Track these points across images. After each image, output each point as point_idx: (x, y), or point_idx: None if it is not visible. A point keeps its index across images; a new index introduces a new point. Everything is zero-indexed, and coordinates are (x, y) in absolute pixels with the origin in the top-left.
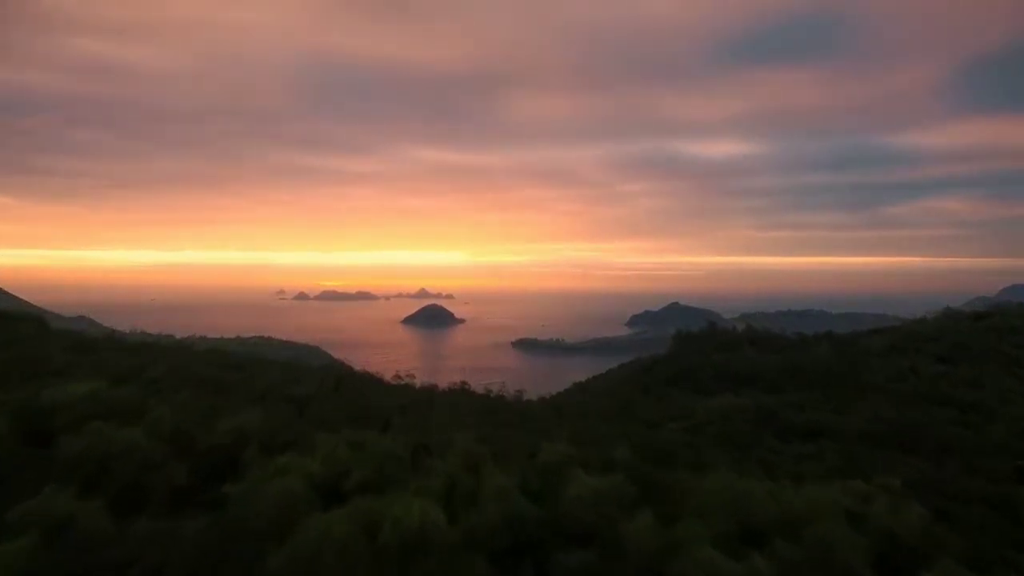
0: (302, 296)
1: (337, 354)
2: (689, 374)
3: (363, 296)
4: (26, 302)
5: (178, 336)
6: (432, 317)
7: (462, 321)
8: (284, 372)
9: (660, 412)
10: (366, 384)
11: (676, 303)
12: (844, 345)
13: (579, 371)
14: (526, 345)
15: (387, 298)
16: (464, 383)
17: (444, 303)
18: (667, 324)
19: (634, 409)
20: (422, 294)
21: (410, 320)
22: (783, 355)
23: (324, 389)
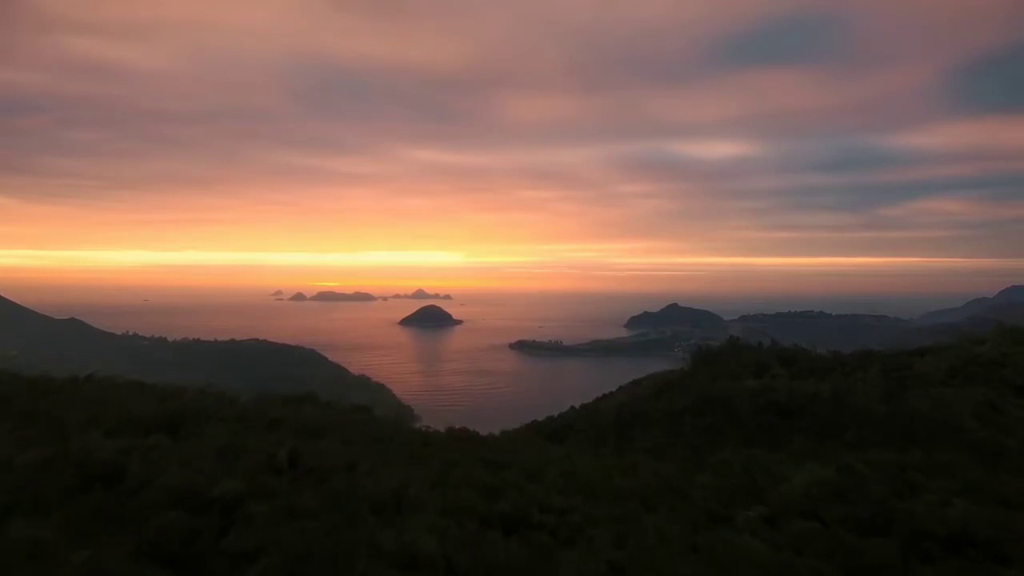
0: (299, 297)
1: (334, 357)
2: (722, 406)
3: (360, 297)
4: (14, 304)
5: (170, 338)
6: (430, 318)
7: (460, 322)
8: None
9: (716, 485)
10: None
11: (675, 304)
12: (895, 370)
13: (578, 373)
14: (524, 347)
15: (384, 299)
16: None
17: (442, 304)
18: (666, 325)
19: (673, 476)
20: (420, 295)
21: (408, 321)
22: (828, 381)
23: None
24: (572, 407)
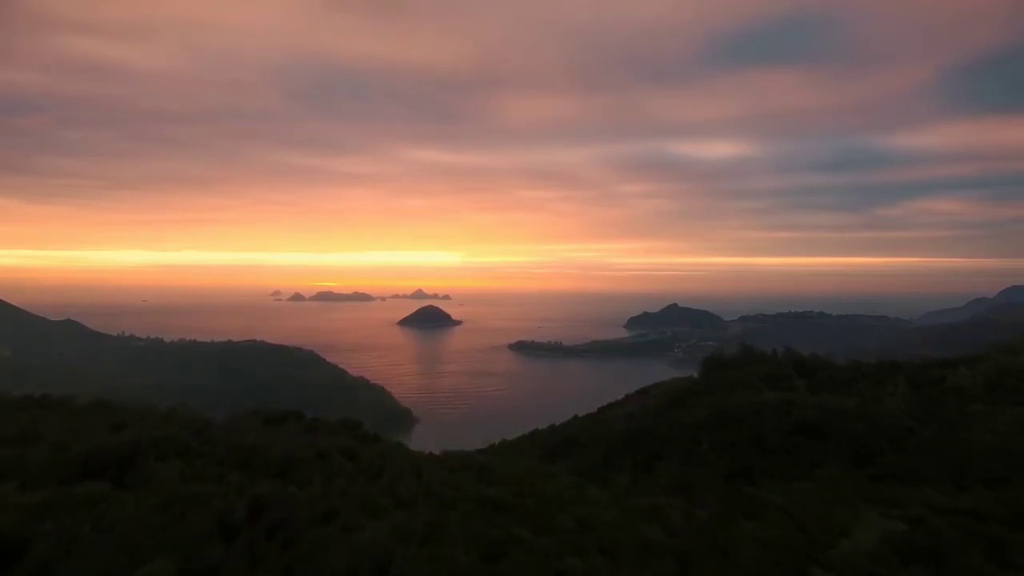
0: (298, 297)
1: (332, 358)
2: (743, 423)
3: (359, 297)
4: (9, 305)
5: (167, 340)
6: (429, 318)
7: (459, 323)
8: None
9: (763, 538)
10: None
11: (675, 304)
12: (926, 383)
13: (578, 375)
14: (524, 348)
15: (383, 299)
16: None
17: (441, 304)
18: (666, 326)
19: (708, 524)
20: (419, 295)
21: (407, 322)
22: (854, 396)
23: None
24: (575, 416)
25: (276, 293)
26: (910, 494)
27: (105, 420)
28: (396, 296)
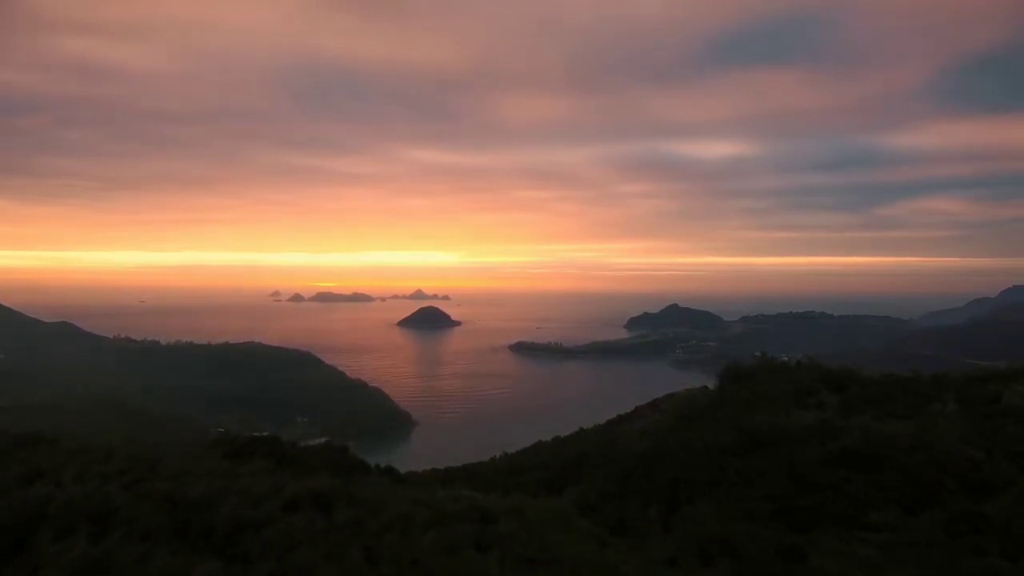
0: (297, 298)
1: (331, 359)
2: (776, 450)
3: (359, 297)
4: (3, 306)
5: (163, 341)
6: (428, 319)
7: (459, 323)
8: None
9: None
10: None
11: (675, 305)
12: (978, 402)
13: (579, 376)
14: (524, 349)
15: (383, 299)
16: None
17: (440, 304)
18: (666, 326)
19: None
20: (418, 295)
21: (406, 323)
22: (900, 417)
23: None
24: (581, 428)
25: (276, 294)
26: (1015, 569)
27: (22, 466)
28: (396, 296)
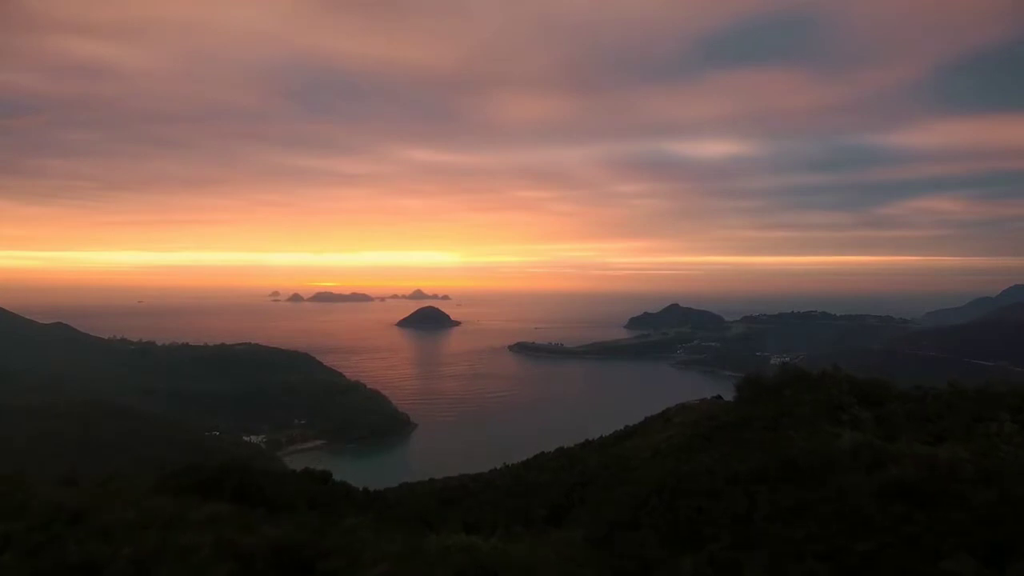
0: (296, 298)
1: (329, 360)
2: (812, 479)
3: (358, 297)
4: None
5: (160, 342)
6: (428, 319)
7: (458, 324)
8: None
9: None
10: None
11: (675, 304)
12: None
13: (580, 377)
14: (524, 349)
15: (382, 299)
16: None
17: (440, 304)
18: (667, 326)
19: None
20: (417, 295)
21: (405, 323)
22: (956, 440)
23: None
24: (587, 441)
25: (275, 294)
26: None
27: None
28: (395, 296)
